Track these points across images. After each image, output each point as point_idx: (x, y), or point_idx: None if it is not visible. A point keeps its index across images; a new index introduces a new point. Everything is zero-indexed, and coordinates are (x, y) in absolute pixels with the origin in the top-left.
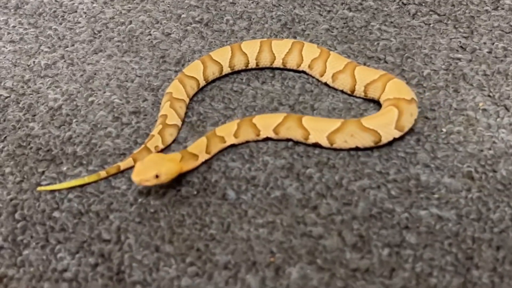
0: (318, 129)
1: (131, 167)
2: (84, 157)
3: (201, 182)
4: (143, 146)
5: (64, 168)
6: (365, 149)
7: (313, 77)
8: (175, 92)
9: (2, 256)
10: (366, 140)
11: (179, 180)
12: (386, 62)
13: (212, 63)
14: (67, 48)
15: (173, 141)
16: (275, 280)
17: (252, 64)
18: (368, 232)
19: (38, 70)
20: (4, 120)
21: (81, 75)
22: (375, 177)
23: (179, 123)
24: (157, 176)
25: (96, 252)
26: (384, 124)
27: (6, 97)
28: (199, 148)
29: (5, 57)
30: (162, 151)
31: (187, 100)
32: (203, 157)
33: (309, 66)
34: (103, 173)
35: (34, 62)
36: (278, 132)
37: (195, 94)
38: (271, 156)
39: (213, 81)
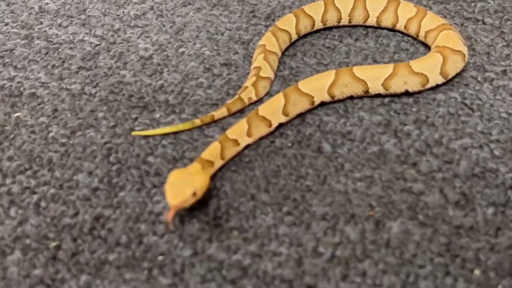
0: (373, 77)
1: (225, 117)
2: (177, 106)
3: (295, 135)
4: (236, 96)
5: (157, 116)
6: (464, 107)
7: (409, 36)
8: (268, 44)
9: (98, 197)
10: (416, 84)
11: (273, 132)
12: (484, 23)
13: (305, 17)
14: (156, 0)
15: (266, 94)
16: (375, 233)
17: (345, 21)
18: (471, 190)
19: (127, 20)
20: (96, 67)
21: (171, 27)
22: (477, 136)
23: (272, 76)
24: (194, 194)
25: None
26: (431, 67)
27: (97, 45)
28: (214, 153)
29: (94, 6)
30: (255, 103)
31: (279, 54)
32: (219, 162)
33: (405, 27)
34: (197, 121)
35: (123, 12)
36: (333, 93)
37: (287, 49)
38: (366, 112)
39: (304, 36)
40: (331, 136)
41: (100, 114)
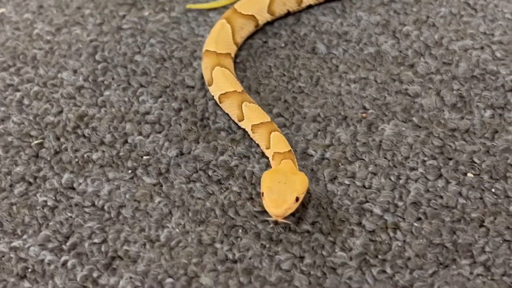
0: None
1: None
2: (166, 3)
3: (289, 35)
4: None
5: (146, 14)
6: (467, 8)
7: None
8: None
9: (82, 96)
10: None
11: (266, 31)
12: None
13: None
14: None
15: None
16: (367, 135)
17: None
18: (469, 92)
19: None
20: None
21: None
22: (478, 37)
23: None
24: (297, 199)
25: (180, 97)
26: None
27: None
28: (286, 143)
29: None
30: None
31: None
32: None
33: None
34: None
35: None
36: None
37: None
38: (365, 12)
39: None
40: (326, 36)
41: (87, 11)
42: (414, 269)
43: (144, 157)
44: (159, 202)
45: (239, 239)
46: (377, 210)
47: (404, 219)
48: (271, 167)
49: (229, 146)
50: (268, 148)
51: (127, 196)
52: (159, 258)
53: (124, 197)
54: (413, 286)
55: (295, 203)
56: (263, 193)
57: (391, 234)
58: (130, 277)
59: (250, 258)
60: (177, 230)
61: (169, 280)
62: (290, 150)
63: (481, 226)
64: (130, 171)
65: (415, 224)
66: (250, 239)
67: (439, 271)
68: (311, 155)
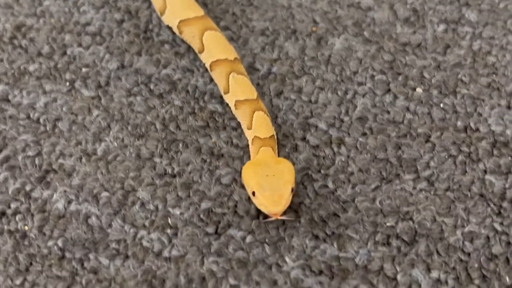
0: None
1: None
2: None
3: None
4: None
5: None
6: None
7: None
8: None
9: (21, 5)
10: None
11: None
12: None
13: None
14: None
15: None
16: (316, 49)
17: None
18: (423, 6)
19: None
20: None
21: None
22: None
23: None
24: (292, 190)
25: (123, 8)
26: None
27: None
28: (269, 126)
29: None
30: None
31: None
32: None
33: None
34: None
35: None
36: None
37: None
38: None
39: None
40: None
41: None
42: (357, 183)
43: (83, 69)
44: (97, 116)
45: (179, 153)
46: (322, 125)
47: (349, 134)
48: (248, 148)
49: (173, 60)
50: (249, 128)
51: (64, 109)
52: (95, 172)
53: (61, 110)
54: (355, 200)
55: (291, 195)
56: (253, 192)
57: (335, 149)
58: (65, 191)
59: (189, 173)
60: (115, 144)
61: (105, 194)
62: (273, 135)
63: (427, 141)
64: (68, 84)
65: (360, 139)
66: (190, 153)
67: (381, 186)
68: (258, 69)
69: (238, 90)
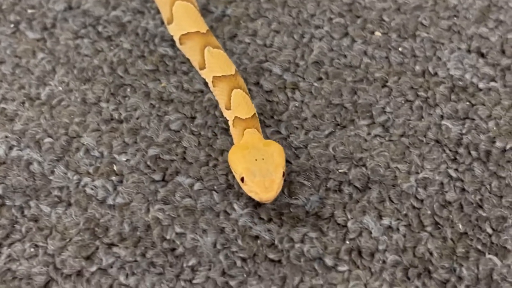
0: None
1: None
2: None
3: None
4: None
5: None
6: None
7: None
8: None
9: None
10: None
11: None
12: None
13: None
14: None
15: None
16: None
17: None
18: None
19: None
20: None
21: None
22: None
23: None
24: (283, 174)
25: None
26: None
27: None
28: (249, 105)
29: None
30: None
31: None
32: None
33: None
34: None
35: None
36: None
37: None
38: None
39: None
40: None
41: None
42: (310, 129)
43: (29, 11)
44: (42, 59)
45: (126, 98)
46: (276, 70)
47: (304, 78)
48: (228, 130)
49: (123, 1)
50: (228, 108)
51: (7, 52)
52: (39, 117)
53: (4, 52)
54: (308, 146)
55: (282, 179)
56: (242, 177)
57: (289, 95)
58: (6, 136)
59: (137, 118)
60: (60, 88)
61: (48, 139)
62: (254, 114)
63: (384, 86)
64: (12, 25)
65: (315, 84)
66: (138, 98)
67: (335, 132)
68: (212, 12)
69: (215, 65)
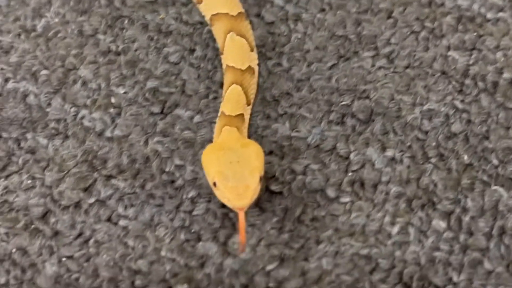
0: None
1: None
2: None
3: None
4: None
5: None
6: None
7: None
8: None
9: None
10: None
11: None
12: None
13: None
14: None
15: None
16: None
17: None
18: None
19: None
20: None
21: None
22: None
23: None
24: (260, 178)
25: None
26: None
27: None
28: (239, 104)
29: None
30: None
31: None
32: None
33: None
34: None
35: None
36: None
37: None
38: None
39: None
40: None
41: None
42: (313, 61)
43: None
44: None
45: (124, 30)
46: (278, 1)
47: (306, 10)
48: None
49: None
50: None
51: None
52: (35, 49)
53: None
54: (310, 79)
55: (259, 185)
56: (214, 182)
57: (292, 26)
58: (2, 68)
59: (135, 50)
60: (56, 19)
61: (44, 72)
62: (241, 114)
63: (389, 17)
64: None
65: (318, 15)
66: (136, 30)
67: (338, 64)
68: None
69: (230, 55)
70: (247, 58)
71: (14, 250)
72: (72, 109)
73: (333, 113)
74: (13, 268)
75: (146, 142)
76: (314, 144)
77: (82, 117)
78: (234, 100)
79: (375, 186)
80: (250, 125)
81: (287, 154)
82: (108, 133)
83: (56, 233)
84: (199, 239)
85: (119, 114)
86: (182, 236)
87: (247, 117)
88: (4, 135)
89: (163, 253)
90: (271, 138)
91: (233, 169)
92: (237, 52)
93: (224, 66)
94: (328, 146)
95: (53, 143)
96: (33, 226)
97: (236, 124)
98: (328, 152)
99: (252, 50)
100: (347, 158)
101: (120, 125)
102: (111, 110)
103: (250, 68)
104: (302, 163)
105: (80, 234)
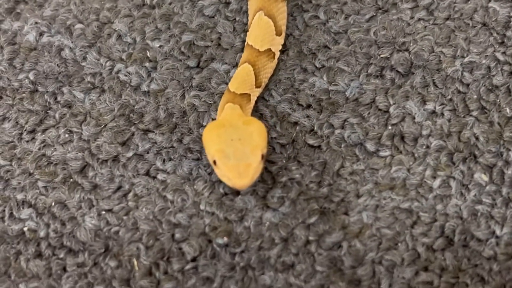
0: None
1: None
2: None
3: None
4: None
5: None
6: None
7: None
8: None
9: None
10: None
11: None
12: None
13: None
14: None
15: None
16: None
17: None
18: None
19: None
20: None
21: None
22: None
23: None
24: (263, 156)
25: None
26: None
27: None
28: (247, 84)
29: None
30: None
31: None
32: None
33: None
34: None
35: None
36: None
37: None
38: None
39: None
40: None
41: None
42: (350, 14)
43: None
44: None
45: None
46: None
47: None
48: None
49: None
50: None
51: None
52: (68, 2)
53: None
54: (347, 31)
55: (260, 164)
56: (214, 160)
57: None
58: (36, 22)
59: (169, 4)
60: None
61: (79, 25)
62: (248, 94)
63: None
64: None
65: None
66: None
67: (377, 16)
68: None
69: (253, 33)
70: (269, 40)
71: (53, 203)
72: (108, 63)
73: (372, 66)
74: (52, 221)
75: (182, 96)
76: (353, 97)
77: (118, 71)
78: (242, 78)
79: (415, 140)
80: (286, 79)
81: (325, 108)
82: (144, 87)
83: (95, 187)
84: (237, 192)
85: (154, 68)
86: (221, 190)
87: (253, 98)
88: (40, 89)
89: (202, 206)
90: (309, 92)
91: (234, 147)
92: (259, 32)
93: (245, 43)
94: (367, 100)
95: (90, 97)
96: (71, 179)
97: (239, 102)
98: (367, 105)
99: (279, 34)
100: (386, 111)
101: (156, 79)
102: (147, 64)
103: (269, 51)
104: (341, 117)
105: (119, 188)
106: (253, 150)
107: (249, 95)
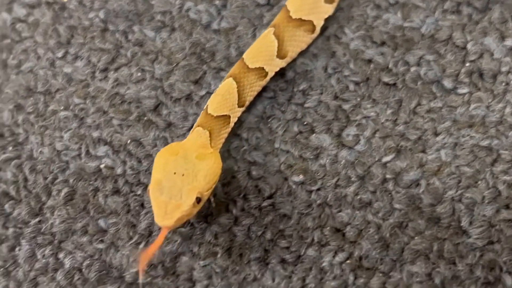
0: None
1: None
2: None
3: None
4: None
5: None
6: None
7: None
8: None
9: None
10: None
11: None
12: None
13: None
14: None
15: None
16: None
17: None
18: None
19: None
20: None
21: None
22: None
23: None
24: (199, 201)
25: None
26: None
27: None
28: (228, 104)
29: None
30: None
31: None
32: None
33: None
34: None
35: None
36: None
37: None
38: None
39: None
40: None
41: None
42: None
43: None
44: None
45: None
46: None
47: None
48: None
49: None
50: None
51: None
52: None
53: None
54: None
55: (194, 207)
56: (149, 189)
57: None
58: None
59: None
60: None
61: None
62: (226, 116)
63: None
64: None
65: None
66: None
67: None
68: None
69: (251, 48)
70: (265, 59)
71: (129, 141)
72: (177, 1)
73: (448, 1)
74: (129, 158)
75: (253, 34)
76: (428, 34)
77: (188, 9)
78: (223, 97)
79: (494, 77)
80: (359, 16)
81: (399, 45)
82: (215, 26)
83: (169, 125)
84: (312, 131)
85: (224, 6)
86: (295, 128)
87: (233, 120)
88: (111, 27)
89: (276, 145)
90: (382, 29)
91: (173, 182)
92: (257, 49)
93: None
94: (443, 36)
95: (160, 35)
96: (145, 118)
97: (212, 127)
98: (443, 42)
99: (282, 58)
100: (464, 48)
101: (226, 17)
102: (217, 2)
103: (260, 69)
104: (416, 54)
105: (192, 126)
106: (190, 191)
107: (229, 116)
